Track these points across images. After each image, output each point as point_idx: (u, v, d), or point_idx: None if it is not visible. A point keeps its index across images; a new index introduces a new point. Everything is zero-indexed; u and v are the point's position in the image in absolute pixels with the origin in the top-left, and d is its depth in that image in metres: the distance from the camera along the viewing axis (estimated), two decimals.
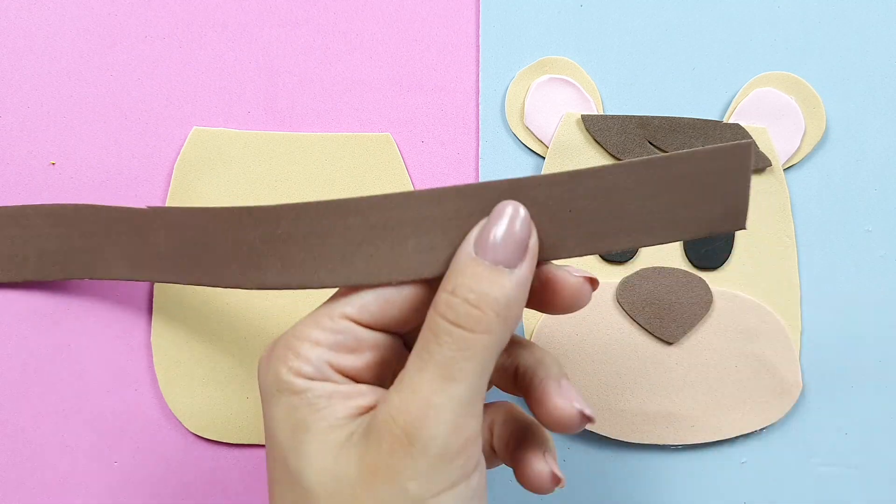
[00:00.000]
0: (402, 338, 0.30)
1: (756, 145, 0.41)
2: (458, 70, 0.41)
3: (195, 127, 0.40)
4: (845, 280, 0.42)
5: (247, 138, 0.40)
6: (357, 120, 0.41)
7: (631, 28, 0.42)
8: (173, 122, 0.40)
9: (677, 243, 0.41)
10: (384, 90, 0.41)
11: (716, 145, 0.27)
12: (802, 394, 0.41)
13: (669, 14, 0.42)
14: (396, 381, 0.27)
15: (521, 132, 0.41)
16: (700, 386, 0.40)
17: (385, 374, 0.29)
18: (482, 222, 0.27)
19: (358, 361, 0.28)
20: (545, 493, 0.31)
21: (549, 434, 0.32)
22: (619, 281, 0.40)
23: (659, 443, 0.40)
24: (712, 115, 0.42)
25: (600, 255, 0.40)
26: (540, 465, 0.30)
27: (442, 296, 0.26)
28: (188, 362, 0.39)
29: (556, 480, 0.30)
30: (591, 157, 0.41)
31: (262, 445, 0.40)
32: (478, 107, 0.41)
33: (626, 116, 0.41)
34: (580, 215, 0.28)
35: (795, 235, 0.42)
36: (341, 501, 0.26)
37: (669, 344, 0.40)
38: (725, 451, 0.41)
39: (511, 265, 0.26)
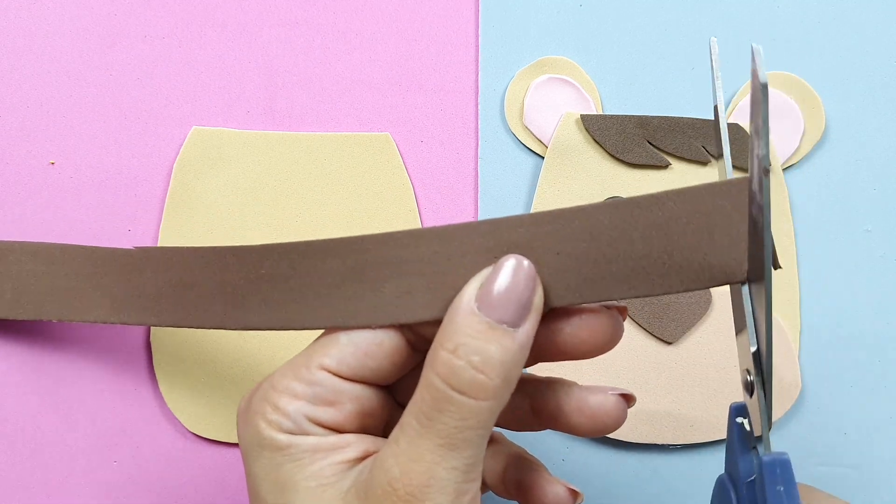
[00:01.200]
0: (384, 387, 0.29)
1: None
2: (458, 70, 0.41)
3: (194, 127, 0.40)
4: (845, 280, 0.42)
5: (246, 138, 0.40)
6: (357, 120, 0.41)
7: (630, 28, 0.42)
8: (173, 122, 0.40)
9: None
10: (384, 90, 0.41)
11: (711, 182, 0.25)
12: (801, 394, 0.41)
13: (669, 14, 0.42)
14: (392, 443, 0.25)
15: (520, 132, 0.41)
16: (699, 386, 0.40)
17: (367, 423, 0.28)
18: (483, 273, 0.26)
19: (338, 414, 0.27)
20: None
21: (538, 459, 0.31)
22: None
23: (658, 442, 0.40)
24: (711, 115, 0.42)
25: None
26: (554, 488, 0.30)
27: (441, 355, 0.25)
28: (188, 362, 0.39)
29: (575, 495, 0.30)
30: (591, 157, 0.41)
31: None
32: (477, 107, 0.41)
33: (626, 116, 0.41)
34: (567, 259, 0.26)
35: (795, 235, 0.42)
36: None
37: (669, 344, 0.40)
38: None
39: (515, 324, 0.25)
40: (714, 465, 0.41)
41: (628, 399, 0.29)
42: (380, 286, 0.27)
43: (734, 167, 0.41)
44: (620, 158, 0.41)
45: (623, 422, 0.28)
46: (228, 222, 0.39)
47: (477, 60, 0.41)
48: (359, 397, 0.27)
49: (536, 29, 0.41)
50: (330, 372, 0.26)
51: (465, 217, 0.41)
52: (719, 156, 0.28)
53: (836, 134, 0.42)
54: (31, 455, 0.38)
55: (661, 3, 0.42)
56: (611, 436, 0.40)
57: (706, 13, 0.42)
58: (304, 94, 0.41)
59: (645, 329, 0.40)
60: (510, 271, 0.25)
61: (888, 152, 0.42)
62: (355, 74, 0.41)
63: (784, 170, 0.41)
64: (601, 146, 0.41)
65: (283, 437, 0.26)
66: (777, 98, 0.41)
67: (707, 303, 0.40)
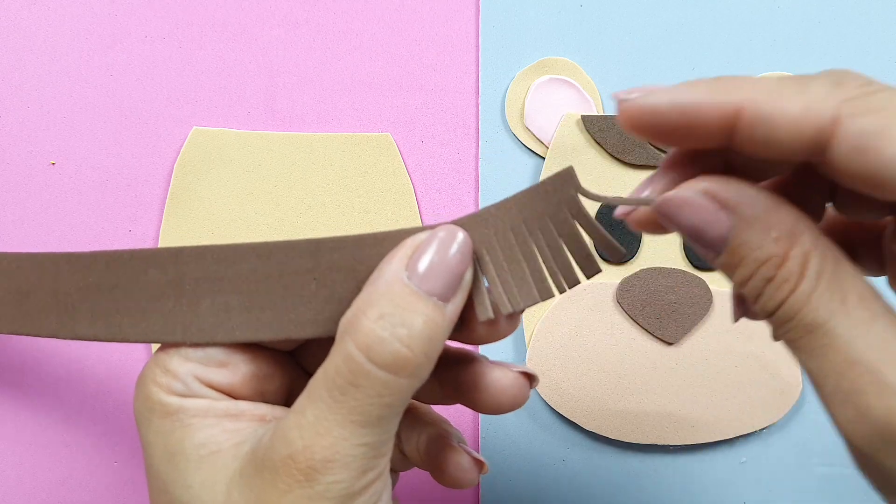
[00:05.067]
0: (286, 353, 0.28)
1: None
2: (458, 70, 0.41)
3: (195, 127, 0.40)
4: None
5: (247, 138, 0.40)
6: (357, 120, 0.41)
7: (631, 28, 0.42)
8: (173, 122, 0.40)
9: (677, 242, 0.41)
10: (384, 90, 0.41)
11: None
12: (802, 394, 0.41)
13: (669, 14, 0.42)
14: (297, 413, 0.23)
15: (521, 133, 0.41)
16: (700, 386, 0.40)
17: (266, 388, 0.26)
18: (411, 241, 0.24)
19: (231, 376, 0.25)
20: (470, 485, 0.28)
21: (457, 429, 0.30)
22: (618, 281, 0.40)
23: (659, 443, 0.40)
24: None
25: (599, 254, 0.40)
26: (458, 457, 0.28)
27: (364, 324, 0.23)
28: None
29: (480, 465, 0.28)
30: (592, 158, 0.41)
31: None
32: (478, 107, 0.41)
33: None
34: None
35: None
36: None
37: (669, 344, 0.40)
38: (725, 451, 0.41)
39: (445, 298, 0.23)
40: (714, 465, 0.41)
41: (530, 378, 0.27)
42: (196, 301, 0.26)
43: None
44: (621, 159, 0.41)
45: (524, 401, 0.27)
46: (228, 222, 0.39)
47: (477, 61, 0.41)
48: (254, 359, 0.26)
49: (537, 29, 0.41)
50: None
51: None
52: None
53: None
54: (32, 455, 0.38)
55: (661, 3, 0.42)
56: (611, 436, 0.40)
57: (706, 13, 0.42)
58: (304, 95, 0.41)
59: (645, 329, 0.40)
60: (446, 241, 0.23)
61: None
62: (355, 74, 0.41)
63: None
64: (602, 147, 0.41)
65: (173, 400, 0.24)
66: None
67: (708, 303, 0.40)
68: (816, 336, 0.20)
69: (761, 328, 0.40)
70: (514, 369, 0.27)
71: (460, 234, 0.24)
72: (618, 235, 0.40)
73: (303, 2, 0.41)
